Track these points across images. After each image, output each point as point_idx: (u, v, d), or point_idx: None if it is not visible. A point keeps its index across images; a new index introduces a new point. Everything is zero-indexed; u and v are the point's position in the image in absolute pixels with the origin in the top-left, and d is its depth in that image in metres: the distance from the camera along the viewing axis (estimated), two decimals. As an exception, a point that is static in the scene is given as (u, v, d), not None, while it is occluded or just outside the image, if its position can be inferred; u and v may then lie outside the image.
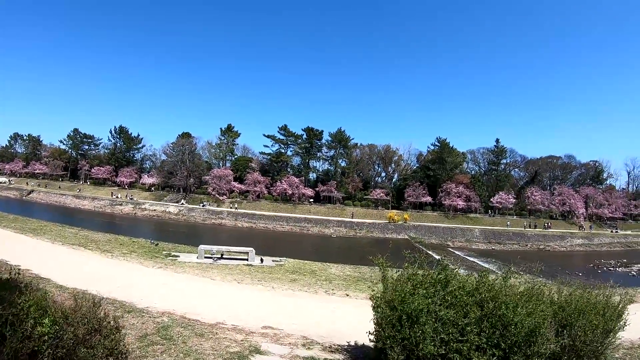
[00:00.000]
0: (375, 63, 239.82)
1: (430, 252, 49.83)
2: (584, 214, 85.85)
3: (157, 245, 22.69)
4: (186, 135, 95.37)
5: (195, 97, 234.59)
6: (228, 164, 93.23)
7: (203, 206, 71.79)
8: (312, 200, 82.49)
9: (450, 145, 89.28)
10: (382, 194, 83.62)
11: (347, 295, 14.24)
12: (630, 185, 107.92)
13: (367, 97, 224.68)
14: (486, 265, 41.04)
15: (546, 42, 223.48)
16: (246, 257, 19.46)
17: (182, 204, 73.32)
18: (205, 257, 19.30)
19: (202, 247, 20.11)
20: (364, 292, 14.72)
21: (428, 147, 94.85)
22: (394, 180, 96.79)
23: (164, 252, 20.15)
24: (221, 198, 77.68)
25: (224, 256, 20.07)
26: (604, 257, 56.84)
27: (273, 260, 20.06)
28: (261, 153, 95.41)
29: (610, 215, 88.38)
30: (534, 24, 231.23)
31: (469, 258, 47.18)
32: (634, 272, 43.79)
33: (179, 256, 19.38)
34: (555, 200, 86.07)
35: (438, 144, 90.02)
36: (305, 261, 21.58)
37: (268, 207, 75.08)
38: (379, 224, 67.83)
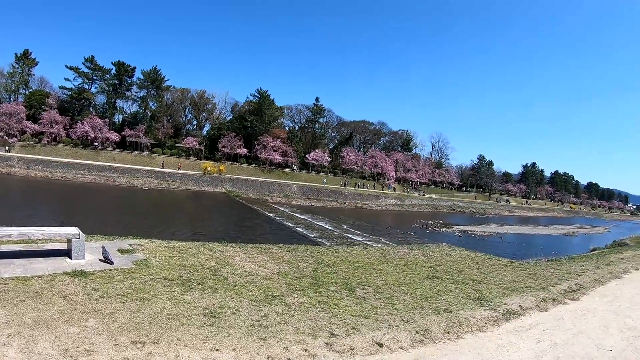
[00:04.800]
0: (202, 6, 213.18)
1: (255, 208, 44.15)
2: (394, 176, 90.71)
3: None
4: (-30, 61, 68.76)
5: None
6: (21, 99, 70.73)
7: (-13, 150, 52.69)
8: (116, 146, 67.96)
9: (271, 97, 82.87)
10: (194, 143, 73.88)
11: (380, 344, 5.73)
12: (434, 155, 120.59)
13: (187, 37, 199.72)
14: (320, 224, 36.49)
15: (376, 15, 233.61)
16: (66, 248, 7.88)
17: (-38, 148, 53.30)
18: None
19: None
20: (401, 329, 6.17)
21: (247, 97, 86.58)
22: (206, 129, 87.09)
23: None
24: (10, 140, 57.91)
25: (11, 250, 7.80)
26: (419, 217, 58.62)
27: (120, 251, 8.62)
28: (61, 88, 73.80)
29: (417, 180, 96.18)
30: None
31: (298, 215, 42.18)
32: (458, 234, 44.48)
33: None
34: (368, 162, 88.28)
35: (258, 95, 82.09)
36: (173, 243, 10.60)
37: (66, 153, 58.94)
38: (193, 175, 59.52)
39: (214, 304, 6.11)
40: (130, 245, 9.30)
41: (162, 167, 61.62)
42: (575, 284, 11.28)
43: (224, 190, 58.19)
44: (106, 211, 31.63)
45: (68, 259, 7.38)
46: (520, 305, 8.54)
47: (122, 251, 8.62)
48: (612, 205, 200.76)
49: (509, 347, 6.31)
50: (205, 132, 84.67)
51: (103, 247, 7.81)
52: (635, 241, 31.16)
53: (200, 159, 71.77)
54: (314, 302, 7.05)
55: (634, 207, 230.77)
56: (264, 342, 4.98)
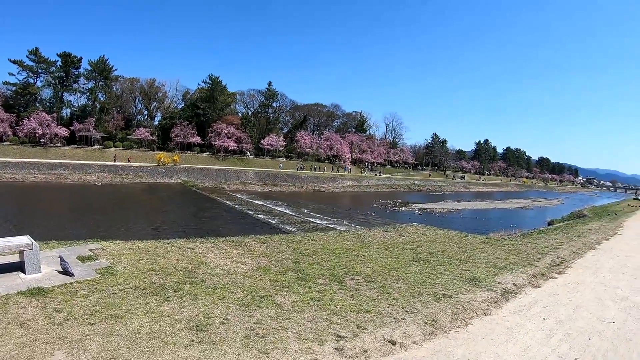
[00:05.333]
0: None
1: (213, 197, 43.04)
2: (350, 158, 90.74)
3: None
4: None
5: None
6: (-37, 98, 64.88)
7: None
8: (65, 141, 63.47)
9: (223, 83, 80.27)
10: (146, 134, 70.62)
11: (392, 342, 5.06)
12: (388, 136, 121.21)
13: (135, 26, 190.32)
14: (281, 209, 35.77)
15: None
16: (18, 261, 6.66)
17: None
18: None
19: None
20: (409, 322, 5.62)
21: (199, 84, 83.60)
22: (157, 119, 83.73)
23: None
24: (-47, 143, 53.72)
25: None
26: (377, 197, 58.90)
27: (80, 258, 7.47)
28: (5, 83, 67.64)
29: (373, 160, 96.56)
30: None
31: (257, 202, 41.25)
32: (418, 212, 44.53)
33: None
34: (323, 145, 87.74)
35: (210, 81, 79.20)
36: (137, 243, 9.48)
37: (14, 152, 54.41)
38: (147, 167, 57.20)
39: (197, 315, 5.27)
40: (90, 250, 8.18)
41: (115, 160, 58.81)
42: (557, 258, 11.34)
43: (179, 180, 56.38)
44: (60, 211, 29.49)
45: (22, 274, 6.23)
46: (514, 284, 8.29)
47: (82, 259, 7.52)
48: (563, 178, 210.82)
49: (518, 329, 6.03)
50: (157, 122, 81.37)
51: (61, 257, 6.70)
52: (593, 212, 32.04)
53: (153, 150, 68.90)
54: (307, 299, 6.36)
55: (584, 179, 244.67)
56: (267, 357, 4.22)
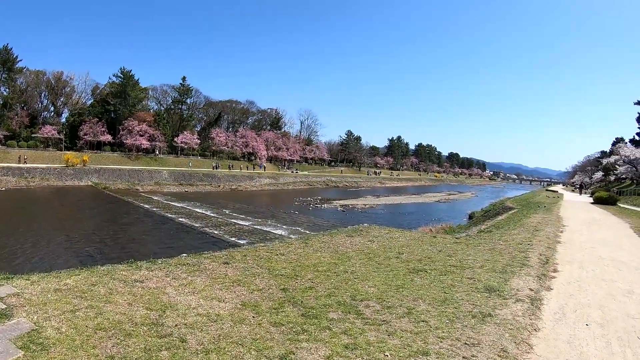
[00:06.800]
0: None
1: (128, 200, 40.61)
2: (266, 155, 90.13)
3: None
4: None
5: None
6: None
7: None
8: None
9: (135, 78, 75.99)
10: (53, 132, 65.73)
11: None
12: (303, 133, 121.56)
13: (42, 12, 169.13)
14: (201, 211, 34.44)
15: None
16: None
17: None
18: None
19: None
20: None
21: (110, 78, 77.52)
22: (64, 115, 77.80)
23: None
24: None
25: None
26: (297, 195, 59.02)
27: None
28: None
29: (289, 157, 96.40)
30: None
31: (175, 204, 39.38)
32: (341, 208, 44.31)
33: None
34: (239, 142, 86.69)
35: (121, 75, 74.39)
36: (64, 279, 6.27)
37: None
38: (54, 168, 53.15)
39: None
40: (1, 299, 5.17)
41: (19, 162, 53.95)
42: (541, 255, 10.94)
43: (90, 182, 53.09)
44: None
45: None
46: (530, 289, 7.55)
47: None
48: (472, 172, 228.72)
49: (577, 342, 5.43)
50: (64, 119, 75.55)
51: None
52: (517, 204, 32.30)
53: (61, 150, 64.07)
54: (339, 349, 4.72)
55: (492, 172, 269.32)
56: None
